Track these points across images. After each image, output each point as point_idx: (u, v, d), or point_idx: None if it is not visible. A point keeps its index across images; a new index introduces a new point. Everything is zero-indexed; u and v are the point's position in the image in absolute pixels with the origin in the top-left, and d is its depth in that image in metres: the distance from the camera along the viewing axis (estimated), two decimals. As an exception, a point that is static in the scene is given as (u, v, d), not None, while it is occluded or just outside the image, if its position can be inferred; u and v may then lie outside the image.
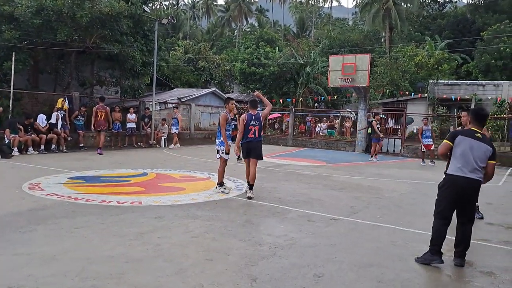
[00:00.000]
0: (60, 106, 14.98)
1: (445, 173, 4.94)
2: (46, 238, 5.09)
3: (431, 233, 4.85)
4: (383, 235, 5.88)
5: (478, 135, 4.75)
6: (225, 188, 8.32)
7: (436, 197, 4.91)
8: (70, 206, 6.72)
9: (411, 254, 5.04)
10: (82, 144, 15.74)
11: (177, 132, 18.46)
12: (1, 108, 13.73)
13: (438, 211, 4.85)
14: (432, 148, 15.55)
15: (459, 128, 5.72)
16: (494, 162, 4.82)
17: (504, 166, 15.49)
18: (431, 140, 15.67)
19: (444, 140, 4.92)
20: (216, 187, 8.39)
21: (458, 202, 4.74)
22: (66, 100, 15.49)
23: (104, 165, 11.58)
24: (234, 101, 8.62)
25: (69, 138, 15.21)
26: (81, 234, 5.28)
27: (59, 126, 14.62)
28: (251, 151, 7.99)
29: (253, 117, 7.96)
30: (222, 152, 8.13)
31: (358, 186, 9.98)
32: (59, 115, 14.75)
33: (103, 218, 6.01)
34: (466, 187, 4.69)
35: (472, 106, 25.05)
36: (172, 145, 18.25)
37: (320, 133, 24.88)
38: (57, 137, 14.51)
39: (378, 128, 16.80)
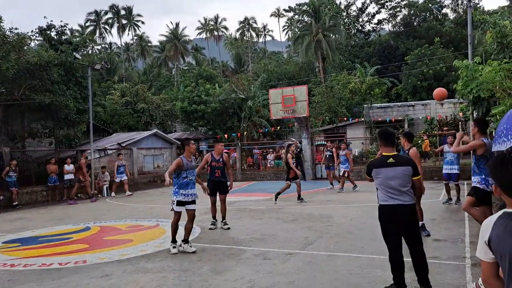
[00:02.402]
0: (-12, 164, 13.99)
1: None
2: (-23, 316, 4.57)
3: (391, 266, 4.74)
4: (339, 265, 5.87)
5: (391, 160, 4.67)
6: (174, 247, 7.02)
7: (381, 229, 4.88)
8: (6, 274, 6.15)
9: (368, 282, 5.05)
10: (16, 203, 14.70)
11: (126, 180, 17.80)
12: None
13: (386, 242, 4.80)
14: (346, 175, 15.06)
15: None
16: (419, 176, 4.83)
17: (441, 180, 16.26)
18: (347, 165, 15.06)
19: (366, 176, 4.99)
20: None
21: (399, 228, 4.67)
22: (-4, 157, 14.51)
23: (41, 224, 10.83)
24: (192, 141, 7.54)
25: (1, 198, 14.17)
26: (19, 306, 4.80)
27: (-11, 186, 13.61)
28: None
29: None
30: (173, 203, 7.04)
31: (309, 216, 10.02)
32: (-11, 173, 13.77)
33: (44, 285, 5.54)
34: (399, 213, 4.62)
35: (406, 126, 26.48)
36: (126, 192, 17.53)
37: (268, 165, 25.05)
38: (-13, 197, 13.47)
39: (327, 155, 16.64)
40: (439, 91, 10.88)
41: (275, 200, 12.57)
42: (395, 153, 4.81)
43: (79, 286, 5.41)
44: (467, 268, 5.45)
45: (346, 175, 15.09)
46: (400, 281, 4.63)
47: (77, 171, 16.47)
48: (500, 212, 2.02)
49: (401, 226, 4.67)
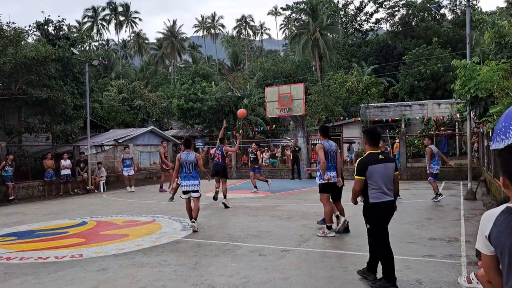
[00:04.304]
0: (-16, 158, 13.94)
1: (365, 201, 4.94)
2: (-27, 309, 4.57)
3: (385, 261, 4.79)
4: (334, 262, 5.90)
5: (380, 156, 4.86)
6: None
7: (369, 227, 4.94)
8: (2, 267, 6.14)
9: (363, 279, 5.07)
10: (12, 197, 14.66)
11: (133, 174, 17.54)
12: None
13: (379, 238, 4.89)
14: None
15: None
16: (397, 172, 5.05)
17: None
18: None
19: (356, 177, 4.89)
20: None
21: (386, 224, 4.92)
22: (-9, 151, 14.47)
23: (38, 218, 10.81)
24: None
25: (-4, 192, 14.14)
26: (15, 299, 4.80)
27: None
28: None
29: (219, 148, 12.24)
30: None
31: (305, 214, 10.05)
32: (-15, 168, 13.73)
33: (40, 278, 5.53)
34: (389, 210, 4.88)
35: (403, 126, 26.57)
36: (131, 187, 17.20)
37: (263, 163, 25.06)
38: (-18, 191, 13.43)
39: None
40: (241, 111, 13.54)
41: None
42: (380, 150, 5.01)
43: (76, 280, 5.42)
44: (463, 267, 5.49)
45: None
46: (393, 274, 4.72)
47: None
48: (503, 207, 1.95)
49: (387, 222, 4.93)
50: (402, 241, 6.86)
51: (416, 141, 22.51)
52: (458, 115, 22.56)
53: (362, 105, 31.14)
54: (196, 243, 7.25)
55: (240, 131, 30.59)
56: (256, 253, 6.45)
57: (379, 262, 4.87)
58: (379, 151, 4.96)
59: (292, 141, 23.27)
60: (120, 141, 22.22)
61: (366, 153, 4.98)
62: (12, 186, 14.85)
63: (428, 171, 11.58)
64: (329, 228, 7.46)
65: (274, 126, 31.43)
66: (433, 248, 6.46)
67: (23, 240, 8.11)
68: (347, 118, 30.28)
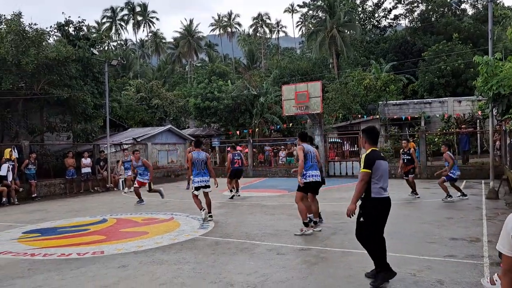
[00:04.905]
0: (8, 156, 14.26)
1: (365, 196, 4.92)
2: (0, 304, 4.70)
3: (378, 255, 4.90)
4: (353, 261, 5.86)
5: (382, 154, 5.02)
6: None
7: (362, 221, 4.92)
8: (26, 263, 6.29)
9: (383, 278, 5.03)
10: (35, 194, 14.99)
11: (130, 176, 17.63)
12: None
13: (377, 233, 4.94)
14: (142, 185, 12.70)
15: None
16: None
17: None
18: (146, 177, 12.71)
19: (364, 170, 4.87)
20: None
21: (385, 220, 4.98)
22: (15, 150, 14.80)
23: (60, 215, 11.04)
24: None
25: (20, 189, 14.46)
26: (39, 295, 4.92)
27: (9, 178, 13.89)
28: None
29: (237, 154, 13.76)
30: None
31: (322, 213, 9.97)
32: (9, 166, 14.05)
33: (63, 274, 5.65)
34: (389, 206, 4.96)
35: (422, 124, 26.18)
36: (129, 188, 17.33)
37: (280, 162, 25.05)
38: (7, 189, 13.74)
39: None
40: None
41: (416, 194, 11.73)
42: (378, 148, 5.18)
43: (97, 276, 5.52)
44: (485, 267, 5.39)
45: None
46: (386, 263, 4.89)
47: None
48: None
49: (387, 217, 5.01)
50: (422, 241, 6.79)
51: (436, 139, 22.15)
52: (479, 112, 22.11)
53: (381, 102, 30.78)
54: (214, 241, 7.30)
55: (256, 129, 30.64)
56: (274, 252, 6.46)
57: (381, 258, 4.92)
58: (378, 149, 5.12)
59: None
60: (139, 140, 22.49)
61: (369, 150, 5.02)
62: (35, 184, 15.18)
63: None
64: (306, 225, 7.64)
65: (290, 124, 31.36)
66: (454, 248, 6.36)
67: (46, 237, 8.29)
68: (365, 116, 29.98)
